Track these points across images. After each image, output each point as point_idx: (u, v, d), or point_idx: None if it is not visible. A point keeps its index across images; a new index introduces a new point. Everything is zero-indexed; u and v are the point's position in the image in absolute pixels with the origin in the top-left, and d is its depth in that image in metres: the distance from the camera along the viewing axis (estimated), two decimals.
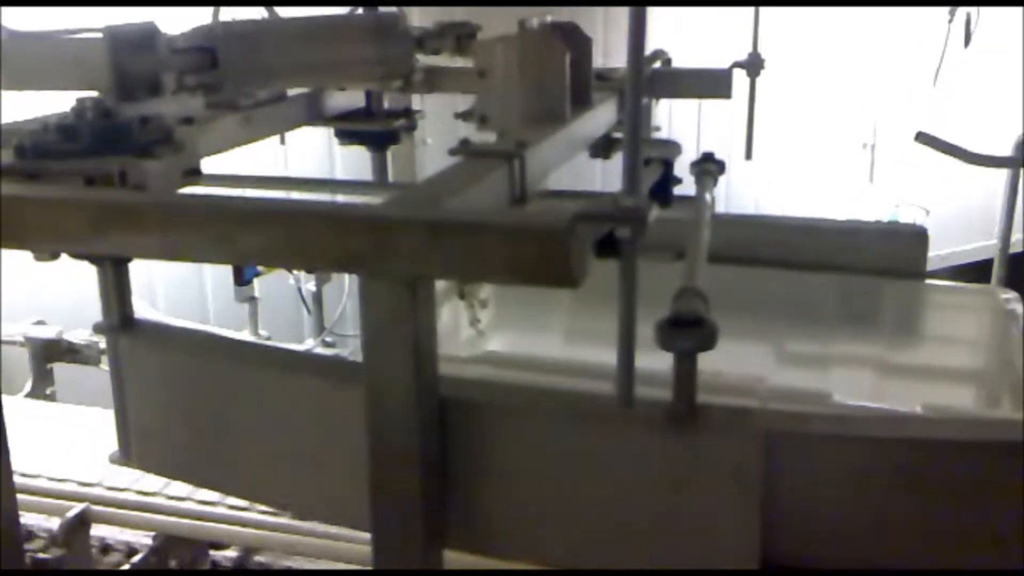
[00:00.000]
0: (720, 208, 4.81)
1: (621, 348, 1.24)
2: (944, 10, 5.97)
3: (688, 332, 1.25)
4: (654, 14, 5.50)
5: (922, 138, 2.92)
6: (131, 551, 2.92)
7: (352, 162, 4.05)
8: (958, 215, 6.20)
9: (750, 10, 2.50)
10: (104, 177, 1.56)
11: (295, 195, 2.62)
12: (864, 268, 2.23)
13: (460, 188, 1.43)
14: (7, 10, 1.74)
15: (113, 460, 1.77)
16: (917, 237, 2.23)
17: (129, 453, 1.74)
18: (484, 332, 2.47)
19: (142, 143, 1.61)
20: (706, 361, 1.30)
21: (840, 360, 2.28)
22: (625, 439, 1.32)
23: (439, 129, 2.93)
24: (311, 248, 1.28)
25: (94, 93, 1.69)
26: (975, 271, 5.80)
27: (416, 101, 2.81)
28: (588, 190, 2.24)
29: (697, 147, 2.12)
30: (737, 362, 2.24)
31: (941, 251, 6.28)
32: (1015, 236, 4.78)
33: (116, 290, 1.67)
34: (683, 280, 1.41)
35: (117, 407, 1.72)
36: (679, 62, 2.59)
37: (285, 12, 2.14)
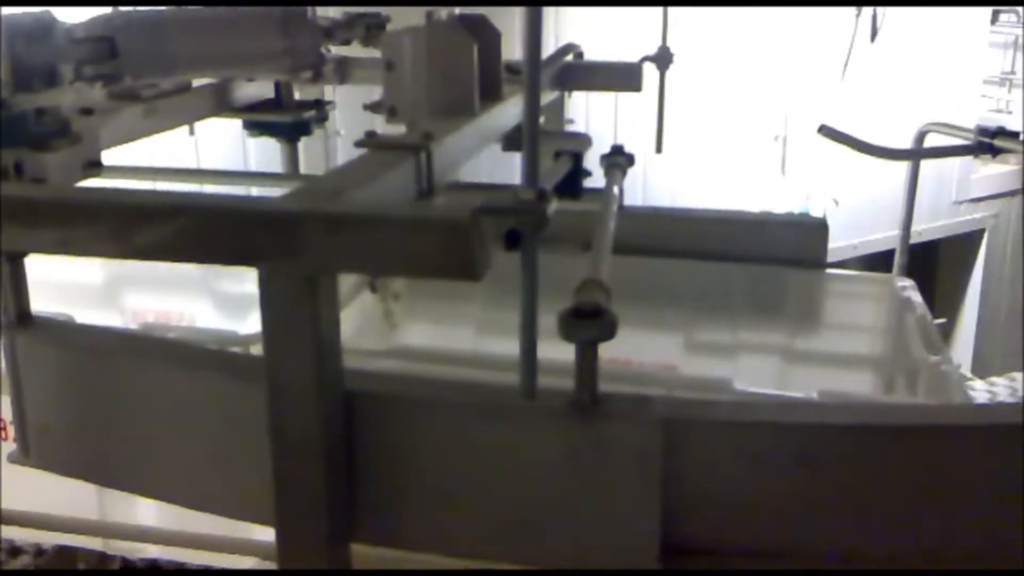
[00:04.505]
0: (637, 201, 4.88)
1: (523, 340, 1.25)
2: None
3: (588, 323, 1.26)
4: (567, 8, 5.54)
5: (824, 131, 3.00)
6: (39, 552, 2.84)
7: (266, 154, 4.00)
8: (868, 206, 6.35)
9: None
10: None
11: (208, 188, 2.59)
12: (769, 258, 2.29)
13: (365, 181, 1.42)
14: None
15: (12, 459, 1.73)
16: (818, 228, 2.30)
17: (28, 452, 1.69)
18: (397, 325, 2.47)
19: (39, 135, 1.57)
20: (619, 350, 1.32)
21: (746, 348, 2.34)
22: (528, 430, 1.33)
23: (353, 120, 2.91)
24: (209, 243, 1.27)
25: None
26: (884, 260, 5.97)
27: (329, 92, 2.78)
28: (504, 183, 2.24)
29: (614, 141, 2.15)
30: (649, 351, 2.29)
31: (852, 241, 6.44)
32: (919, 226, 4.94)
33: (12, 285, 1.63)
34: (588, 272, 1.42)
35: (14, 406, 1.67)
36: (592, 56, 2.62)
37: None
